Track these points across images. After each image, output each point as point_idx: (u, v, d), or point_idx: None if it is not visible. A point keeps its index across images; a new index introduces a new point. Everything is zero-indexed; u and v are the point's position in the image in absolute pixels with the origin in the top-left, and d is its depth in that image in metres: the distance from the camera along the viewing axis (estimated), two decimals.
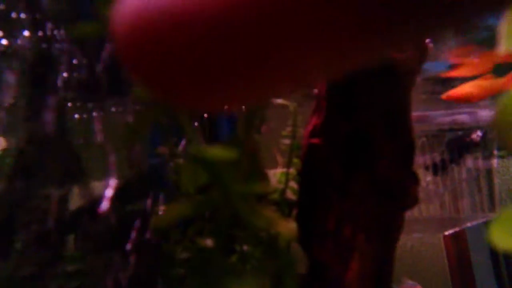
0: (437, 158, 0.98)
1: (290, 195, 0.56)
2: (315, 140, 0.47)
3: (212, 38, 0.09)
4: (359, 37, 0.10)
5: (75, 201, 0.38)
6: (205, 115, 0.53)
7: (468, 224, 0.94)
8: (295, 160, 0.54)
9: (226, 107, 0.11)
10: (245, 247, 0.43)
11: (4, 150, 0.36)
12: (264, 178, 0.31)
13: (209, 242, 0.34)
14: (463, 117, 0.92)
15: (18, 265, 0.29)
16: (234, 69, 0.09)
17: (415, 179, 0.49)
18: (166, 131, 0.45)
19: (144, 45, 0.09)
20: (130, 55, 0.10)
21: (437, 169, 1.01)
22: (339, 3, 0.09)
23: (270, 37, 0.09)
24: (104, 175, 0.41)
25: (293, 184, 0.54)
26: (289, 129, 0.53)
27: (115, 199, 0.41)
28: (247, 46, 0.09)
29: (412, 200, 0.49)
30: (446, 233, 0.92)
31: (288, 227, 0.27)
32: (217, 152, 0.23)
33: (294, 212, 0.51)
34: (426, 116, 0.89)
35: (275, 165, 0.57)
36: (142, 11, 0.09)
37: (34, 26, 0.37)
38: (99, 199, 0.38)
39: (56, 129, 0.35)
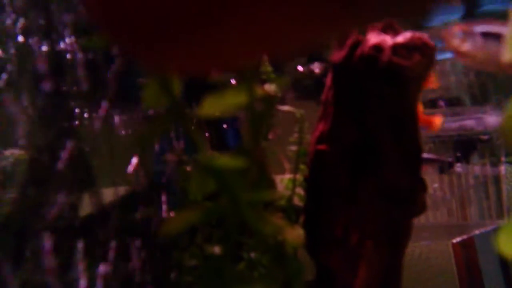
0: (444, 158, 0.97)
1: (297, 201, 0.56)
2: (322, 147, 0.48)
3: None
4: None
5: (85, 208, 0.39)
6: (211, 123, 0.53)
7: (476, 232, 0.93)
8: (302, 167, 0.54)
9: (182, 67, 0.11)
10: (252, 254, 0.43)
11: (17, 159, 0.36)
12: (272, 185, 0.31)
13: (217, 249, 0.34)
14: (470, 123, 0.91)
15: (31, 272, 0.30)
16: (190, 24, 0.09)
17: (422, 186, 0.49)
18: (173, 139, 0.45)
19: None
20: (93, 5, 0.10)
21: (444, 168, 1.00)
22: None
23: None
24: (113, 182, 0.41)
25: (300, 191, 0.54)
26: (296, 135, 0.53)
27: (123, 206, 0.42)
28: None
29: (420, 207, 0.49)
30: (455, 240, 0.91)
31: (295, 234, 0.27)
32: (226, 160, 0.23)
33: (301, 218, 0.51)
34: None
35: (282, 171, 0.57)
36: None
37: (48, 35, 0.38)
38: (108, 206, 0.39)
39: (68, 137, 0.35)
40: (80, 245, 0.33)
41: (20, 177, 0.36)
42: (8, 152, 0.38)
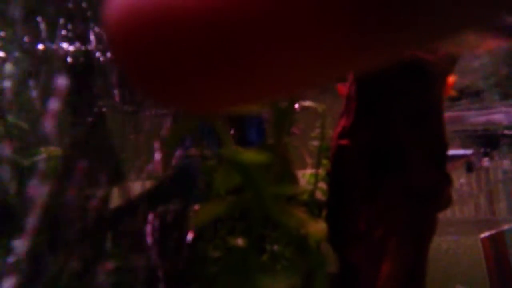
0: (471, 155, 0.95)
1: (320, 196, 0.56)
2: (344, 141, 0.48)
3: (204, 34, 0.09)
4: (355, 38, 0.09)
5: (115, 201, 0.40)
6: (234, 119, 0.54)
7: (505, 227, 0.91)
8: (324, 161, 0.54)
9: (217, 108, 0.11)
10: (275, 247, 0.44)
11: (50, 154, 0.38)
12: (294, 180, 0.31)
13: (240, 242, 0.35)
14: (498, 117, 0.89)
15: (65, 260, 0.31)
16: (224, 68, 0.09)
17: (447, 181, 0.48)
18: (197, 134, 0.46)
19: (136, 39, 0.09)
20: (123, 51, 0.09)
21: (471, 166, 0.98)
22: None
23: (265, 36, 0.08)
24: (140, 176, 0.43)
25: (322, 185, 0.55)
26: (318, 130, 0.53)
27: (151, 199, 0.43)
28: (238, 44, 0.09)
29: (445, 202, 0.48)
30: (484, 235, 0.89)
31: (318, 227, 0.28)
32: (250, 155, 0.24)
33: (324, 213, 0.51)
34: (459, 116, 0.87)
35: (304, 166, 0.58)
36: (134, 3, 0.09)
37: (79, 35, 0.39)
38: (136, 199, 0.40)
39: (99, 134, 0.37)
40: (110, 235, 0.35)
41: (53, 172, 0.38)
42: (42, 149, 0.40)
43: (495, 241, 0.96)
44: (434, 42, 0.10)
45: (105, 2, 0.09)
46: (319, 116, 0.53)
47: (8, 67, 0.46)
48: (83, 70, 0.39)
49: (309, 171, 0.57)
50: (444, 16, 0.09)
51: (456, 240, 0.98)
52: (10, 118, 0.43)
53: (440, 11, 0.09)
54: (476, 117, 0.89)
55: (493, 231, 0.93)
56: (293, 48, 0.09)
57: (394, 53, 0.10)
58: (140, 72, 0.09)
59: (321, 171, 0.55)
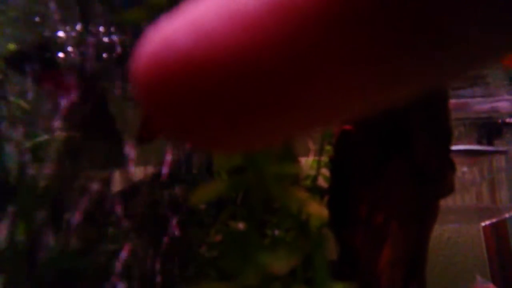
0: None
1: (322, 182, 0.56)
2: (347, 126, 0.47)
3: (235, 80, 0.09)
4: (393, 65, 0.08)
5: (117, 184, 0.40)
6: None
7: (507, 215, 0.91)
8: (327, 148, 0.54)
9: (251, 147, 0.11)
10: (276, 232, 0.44)
11: (52, 137, 0.38)
12: (296, 160, 0.31)
13: (241, 225, 0.35)
14: (503, 104, 0.88)
15: (68, 240, 0.31)
16: (256, 110, 0.09)
17: (451, 167, 0.48)
18: None
19: (163, 87, 0.09)
20: (150, 98, 0.09)
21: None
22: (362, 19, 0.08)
23: (296, 76, 0.08)
24: (142, 161, 0.43)
25: (325, 172, 0.54)
26: None
27: (151, 183, 0.43)
28: (270, 87, 0.09)
29: (448, 188, 0.48)
30: (485, 223, 0.89)
31: (319, 209, 0.28)
32: None
33: (326, 198, 0.51)
34: (465, 103, 0.86)
35: (307, 153, 0.57)
36: (162, 53, 0.09)
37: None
38: (138, 184, 0.40)
39: (101, 116, 0.37)
40: (112, 218, 0.35)
41: (55, 154, 0.38)
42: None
43: (497, 229, 0.96)
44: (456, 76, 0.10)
45: (134, 53, 0.09)
46: None
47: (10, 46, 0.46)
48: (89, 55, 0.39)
49: (312, 158, 0.57)
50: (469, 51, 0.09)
51: (458, 229, 0.98)
52: (12, 99, 0.43)
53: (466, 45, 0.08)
54: (481, 105, 0.88)
55: (494, 219, 0.93)
56: (324, 89, 0.09)
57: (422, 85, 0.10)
58: (164, 120, 0.09)
59: (324, 158, 0.55)
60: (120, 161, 0.41)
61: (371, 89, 0.09)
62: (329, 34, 0.08)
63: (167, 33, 0.09)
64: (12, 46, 0.47)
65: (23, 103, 0.43)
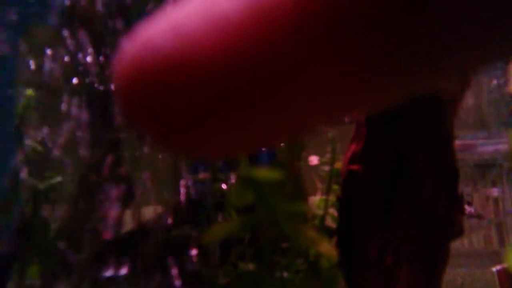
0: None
1: (330, 222, 0.56)
2: (354, 167, 0.48)
3: (212, 83, 0.09)
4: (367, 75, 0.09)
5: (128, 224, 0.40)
6: None
7: None
8: (335, 187, 0.54)
9: (227, 153, 0.11)
10: (285, 274, 0.44)
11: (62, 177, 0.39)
12: (306, 199, 0.31)
13: (250, 266, 0.35)
14: (505, 147, 0.88)
15: (79, 282, 0.31)
16: (234, 112, 0.09)
17: (460, 208, 0.48)
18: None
19: (142, 89, 0.09)
20: (129, 100, 0.09)
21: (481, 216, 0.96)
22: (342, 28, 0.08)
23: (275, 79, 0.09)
24: (153, 201, 0.43)
25: (332, 211, 0.54)
26: (328, 156, 0.54)
27: (162, 223, 0.43)
28: (247, 89, 0.09)
29: (458, 230, 0.48)
30: (499, 267, 0.87)
31: (330, 249, 0.28)
32: (264, 172, 0.24)
33: (334, 239, 0.51)
34: (471, 145, 0.86)
35: (314, 192, 0.58)
36: (142, 56, 0.09)
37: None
38: (148, 223, 0.40)
39: (113, 158, 0.37)
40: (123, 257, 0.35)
41: (69, 195, 0.38)
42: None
43: (511, 274, 0.93)
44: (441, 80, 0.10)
45: (117, 55, 0.09)
46: (329, 141, 0.53)
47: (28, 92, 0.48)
48: (99, 94, 0.40)
49: (319, 197, 0.57)
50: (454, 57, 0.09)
51: (472, 273, 0.95)
52: (29, 142, 0.44)
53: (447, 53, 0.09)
54: (484, 146, 0.89)
55: (505, 264, 0.91)
56: (307, 90, 0.09)
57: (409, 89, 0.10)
58: (144, 123, 0.10)
59: (332, 197, 0.55)
60: (130, 201, 0.41)
61: (349, 92, 0.09)
62: (303, 38, 0.08)
63: (148, 36, 0.09)
64: (30, 92, 0.49)
65: (38, 147, 0.44)
